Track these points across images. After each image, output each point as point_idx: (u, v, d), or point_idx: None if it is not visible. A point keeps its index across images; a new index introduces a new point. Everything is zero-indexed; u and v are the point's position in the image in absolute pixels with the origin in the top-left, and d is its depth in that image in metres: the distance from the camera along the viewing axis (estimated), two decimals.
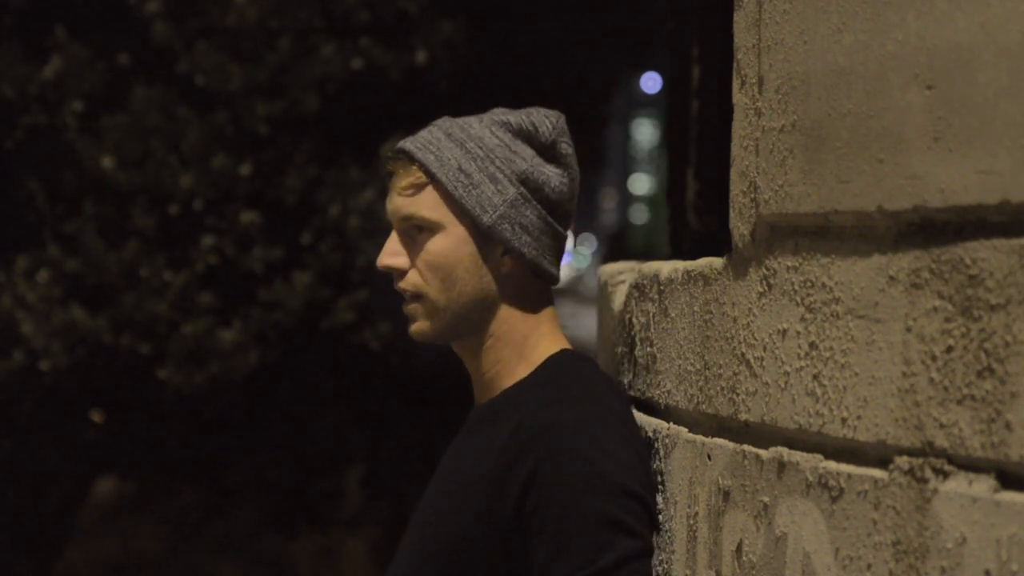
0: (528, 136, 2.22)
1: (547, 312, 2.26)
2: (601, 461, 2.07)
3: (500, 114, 2.25)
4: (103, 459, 8.34)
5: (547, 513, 2.05)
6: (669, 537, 2.08)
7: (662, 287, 2.19)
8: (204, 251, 7.40)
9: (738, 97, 1.93)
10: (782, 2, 1.81)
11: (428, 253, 2.20)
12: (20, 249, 7.38)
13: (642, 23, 9.49)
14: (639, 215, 52.85)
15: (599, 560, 2.02)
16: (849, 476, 1.64)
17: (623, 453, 2.10)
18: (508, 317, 2.22)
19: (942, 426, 1.51)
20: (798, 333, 1.75)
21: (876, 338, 1.61)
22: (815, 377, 1.71)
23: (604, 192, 65.91)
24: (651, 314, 2.24)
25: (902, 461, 1.56)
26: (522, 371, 2.21)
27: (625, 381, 2.37)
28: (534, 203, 2.21)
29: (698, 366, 2.03)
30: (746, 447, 1.87)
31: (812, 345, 1.72)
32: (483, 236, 2.19)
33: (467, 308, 2.21)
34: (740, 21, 1.93)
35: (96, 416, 8.12)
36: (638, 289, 2.31)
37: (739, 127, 1.92)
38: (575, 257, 57.86)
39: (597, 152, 11.20)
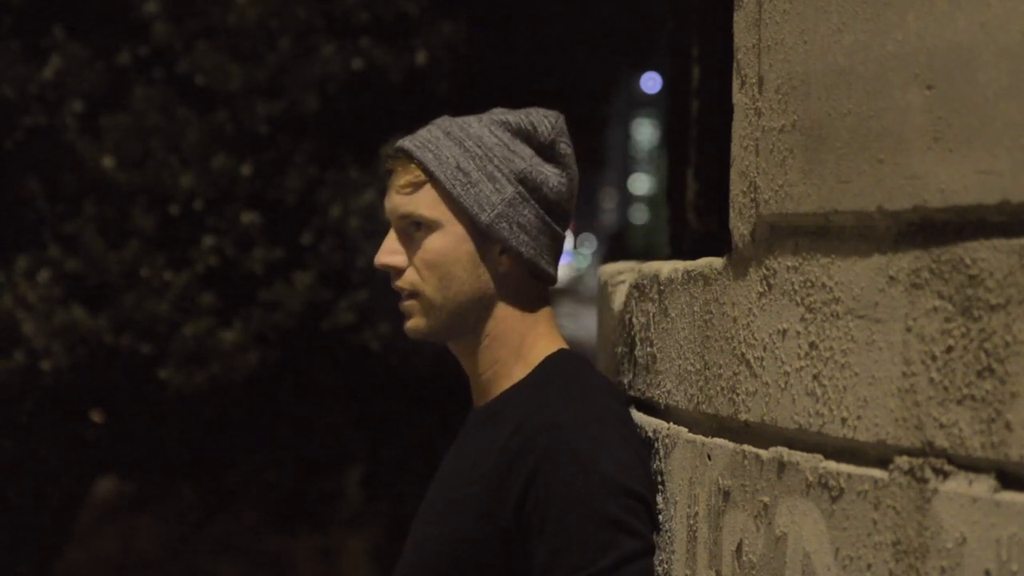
0: (527, 135, 2.22)
1: (544, 312, 2.26)
2: (601, 461, 2.07)
3: (499, 114, 2.25)
4: (103, 459, 8.34)
5: (547, 513, 2.05)
6: (669, 537, 2.08)
7: (662, 287, 2.19)
8: (204, 251, 7.40)
9: (738, 97, 1.93)
10: (782, 2, 1.81)
11: (426, 251, 2.20)
12: (21, 249, 7.38)
13: (642, 23, 9.49)
14: (639, 215, 52.86)
15: (600, 560, 2.02)
16: (849, 476, 1.64)
17: (623, 453, 2.10)
18: (505, 316, 2.22)
19: (942, 426, 1.51)
20: (798, 333, 1.75)
21: (876, 338, 1.61)
22: (815, 377, 1.71)
23: (604, 192, 65.92)
24: (651, 314, 2.24)
25: (902, 461, 1.56)
26: (519, 371, 2.21)
27: (625, 381, 2.37)
28: (532, 202, 2.21)
29: (698, 366, 2.03)
30: (746, 447, 1.87)
31: (812, 345, 1.72)
32: (481, 235, 2.19)
33: (464, 307, 2.21)
34: (740, 21, 1.93)
35: (96, 416, 8.12)
36: (638, 289, 2.31)
37: (739, 127, 1.92)
38: (575, 257, 57.86)
39: (597, 152, 11.21)
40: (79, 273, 7.29)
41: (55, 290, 7.24)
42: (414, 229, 2.21)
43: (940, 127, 1.53)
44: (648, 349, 2.25)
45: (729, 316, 1.93)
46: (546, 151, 2.23)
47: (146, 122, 7.30)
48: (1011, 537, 1.41)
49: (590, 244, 64.38)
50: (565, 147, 2.25)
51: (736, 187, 1.93)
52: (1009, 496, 1.42)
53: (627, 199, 61.54)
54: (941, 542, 1.49)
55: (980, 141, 1.48)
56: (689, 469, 2.03)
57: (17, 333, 7.24)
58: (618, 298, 2.46)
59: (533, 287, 2.25)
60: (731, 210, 1.94)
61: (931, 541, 1.50)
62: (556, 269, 2.27)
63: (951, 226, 1.52)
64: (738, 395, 1.89)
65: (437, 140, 2.21)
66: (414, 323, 2.23)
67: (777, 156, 1.80)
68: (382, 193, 2.28)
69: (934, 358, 1.52)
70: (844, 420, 1.65)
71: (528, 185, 2.21)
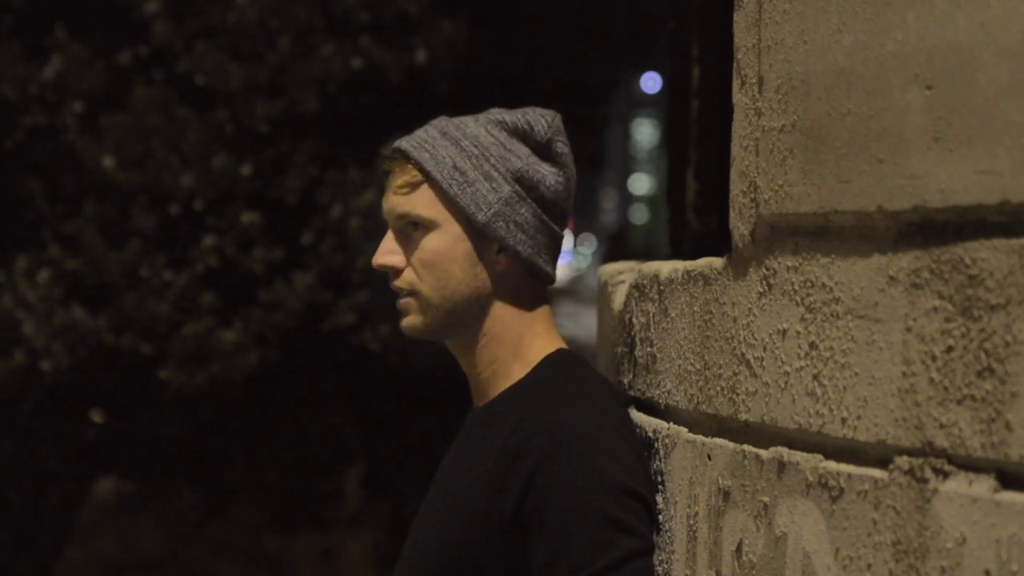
0: (523, 135, 2.22)
1: (542, 311, 2.26)
2: (600, 460, 2.07)
3: (496, 113, 2.25)
4: (103, 459, 8.34)
5: (547, 513, 2.05)
6: (669, 537, 2.08)
7: (662, 287, 2.19)
8: (205, 251, 7.40)
9: (738, 97, 1.93)
10: (782, 2, 1.81)
11: (423, 251, 2.20)
12: (21, 249, 7.38)
13: (642, 23, 9.49)
14: (639, 215, 52.86)
15: (599, 559, 2.02)
16: (849, 476, 1.64)
17: (621, 452, 2.10)
18: (502, 316, 2.22)
19: (942, 426, 1.51)
20: (798, 333, 1.75)
21: (876, 338, 1.61)
22: (815, 377, 1.71)
23: (604, 192, 65.92)
24: (651, 314, 2.24)
25: (902, 461, 1.56)
26: (518, 371, 2.21)
27: (625, 381, 2.37)
28: (529, 201, 2.21)
29: (698, 366, 2.03)
30: (746, 447, 1.87)
31: (812, 345, 1.72)
32: (478, 234, 2.20)
33: (461, 306, 2.21)
34: (740, 21, 1.93)
35: (96, 416, 8.12)
36: (638, 289, 2.31)
37: (739, 127, 1.92)
38: (575, 257, 57.86)
39: (597, 152, 11.20)
40: (79, 273, 7.29)
41: (55, 290, 7.24)
42: (411, 229, 2.21)
43: (940, 127, 1.53)
44: (648, 349, 2.25)
45: (729, 316, 1.93)
46: (543, 150, 2.23)
47: (146, 122, 7.30)
48: (1011, 537, 1.41)
49: (590, 244, 64.39)
50: (562, 146, 2.25)
51: (736, 187, 1.93)
52: (1009, 496, 1.42)
53: (627, 199, 61.53)
54: (941, 542, 1.49)
55: (980, 141, 1.48)
56: (689, 469, 2.03)
57: (17, 333, 7.24)
58: (618, 298, 2.46)
59: (531, 286, 2.25)
60: (731, 210, 1.94)
61: (931, 541, 1.50)
62: (554, 268, 2.27)
63: (951, 226, 1.52)
64: (738, 395, 1.89)
65: (434, 140, 2.21)
66: (410, 320, 2.24)
67: (777, 156, 1.80)
68: (382, 193, 2.28)
69: (934, 358, 1.52)
70: (844, 420, 1.65)
71: (525, 184, 2.21)
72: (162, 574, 10.76)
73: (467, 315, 2.22)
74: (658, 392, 2.19)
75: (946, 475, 1.50)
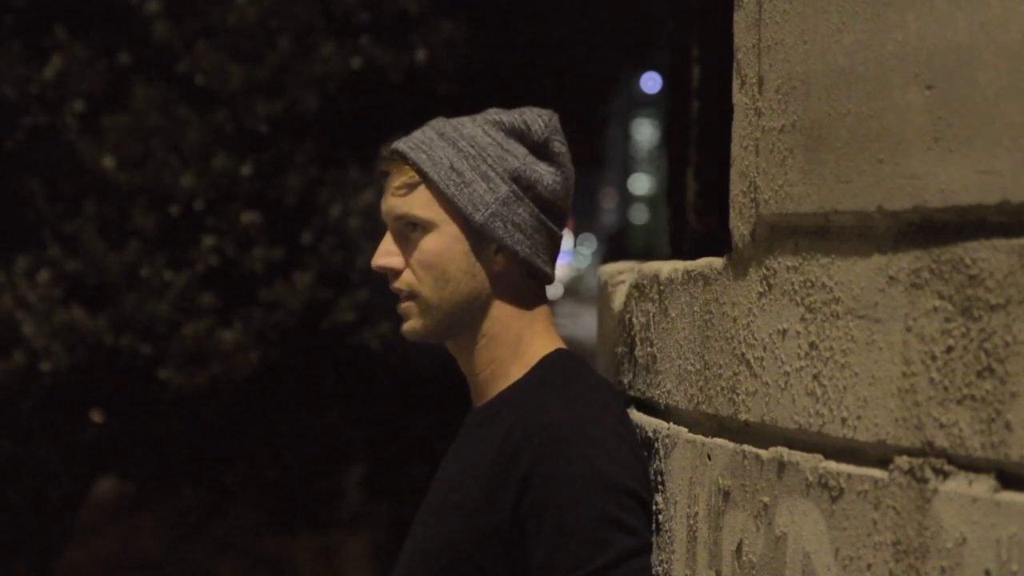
0: (520, 134, 2.23)
1: (541, 311, 2.26)
2: (598, 460, 2.07)
3: (493, 113, 2.25)
4: (103, 459, 8.34)
5: (545, 512, 2.05)
6: (669, 537, 2.08)
7: (662, 287, 2.19)
8: (205, 251, 7.39)
9: (738, 97, 1.93)
10: (782, 2, 1.81)
11: (421, 252, 2.20)
12: (20, 249, 7.38)
13: (642, 23, 9.49)
14: (639, 215, 52.84)
15: (597, 558, 2.03)
16: (849, 476, 1.64)
17: (619, 451, 2.10)
18: (501, 316, 2.22)
19: (942, 426, 1.51)
20: (798, 333, 1.75)
21: (876, 338, 1.61)
22: (815, 377, 1.71)
23: (604, 192, 65.91)
24: (651, 314, 2.24)
25: (902, 461, 1.56)
26: (517, 371, 2.21)
27: (625, 381, 2.37)
28: (527, 201, 2.21)
29: (698, 366, 2.03)
30: (746, 447, 1.87)
31: (812, 345, 1.72)
32: (476, 234, 2.20)
33: (460, 306, 2.21)
34: (740, 21, 1.93)
35: (96, 416, 8.12)
36: (638, 289, 2.31)
37: (739, 127, 1.92)
38: (575, 257, 57.85)
39: (597, 152, 11.20)
40: (79, 273, 7.28)
41: (55, 290, 7.24)
42: (410, 230, 2.22)
43: (940, 127, 1.53)
44: (648, 349, 2.25)
45: (729, 316, 1.93)
46: (540, 150, 2.23)
47: (146, 122, 7.30)
48: (1011, 537, 1.41)
49: (590, 244, 64.38)
50: (559, 145, 2.25)
51: (736, 187, 1.93)
52: (1009, 496, 1.42)
53: (627, 199, 61.51)
54: (941, 542, 1.49)
55: (980, 141, 1.48)
56: (689, 469, 2.03)
57: (17, 333, 7.23)
58: (618, 298, 2.46)
59: (530, 286, 2.25)
60: (731, 210, 1.94)
61: (931, 541, 1.50)
62: (553, 268, 2.27)
63: (951, 226, 1.52)
64: (738, 395, 1.89)
65: (431, 141, 2.22)
66: (411, 325, 2.24)
67: (777, 156, 1.80)
68: (381, 193, 2.28)
69: (934, 358, 1.52)
70: (844, 420, 1.65)
71: (522, 184, 2.21)
72: (162, 574, 10.76)
73: (466, 315, 2.22)
74: (658, 392, 2.20)
75: (946, 475, 1.50)
